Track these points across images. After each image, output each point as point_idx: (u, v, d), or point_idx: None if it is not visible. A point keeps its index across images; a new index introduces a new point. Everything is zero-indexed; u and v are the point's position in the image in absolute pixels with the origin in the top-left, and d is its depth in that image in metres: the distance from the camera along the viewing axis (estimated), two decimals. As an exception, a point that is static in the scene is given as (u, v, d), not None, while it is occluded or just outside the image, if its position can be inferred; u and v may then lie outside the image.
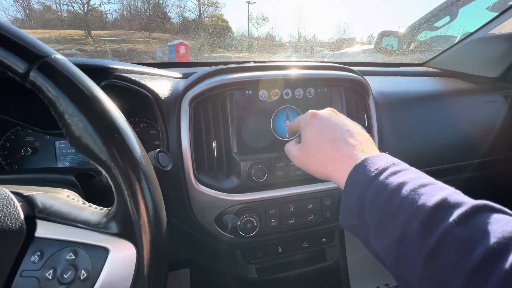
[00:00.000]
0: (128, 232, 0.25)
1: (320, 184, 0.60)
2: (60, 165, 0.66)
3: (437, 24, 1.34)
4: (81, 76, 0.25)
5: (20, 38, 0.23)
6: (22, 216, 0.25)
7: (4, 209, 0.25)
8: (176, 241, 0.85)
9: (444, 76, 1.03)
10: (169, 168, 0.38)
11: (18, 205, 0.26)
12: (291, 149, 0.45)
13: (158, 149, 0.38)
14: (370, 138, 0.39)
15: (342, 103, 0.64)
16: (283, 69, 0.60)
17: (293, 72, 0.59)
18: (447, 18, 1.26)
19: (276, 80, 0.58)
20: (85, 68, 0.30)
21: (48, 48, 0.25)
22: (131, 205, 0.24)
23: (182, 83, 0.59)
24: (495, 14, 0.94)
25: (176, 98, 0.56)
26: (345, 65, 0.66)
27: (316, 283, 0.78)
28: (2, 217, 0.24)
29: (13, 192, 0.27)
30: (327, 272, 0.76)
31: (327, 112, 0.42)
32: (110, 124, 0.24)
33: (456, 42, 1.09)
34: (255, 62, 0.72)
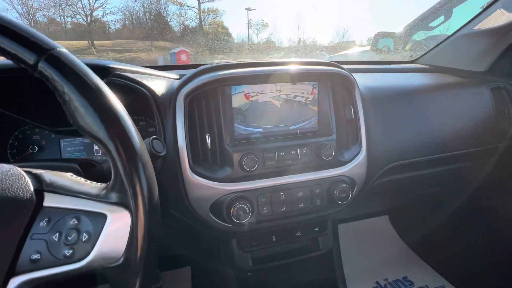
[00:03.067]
0: (123, 200, 0.29)
1: (309, 174, 0.63)
2: (65, 162, 0.70)
3: (432, 24, 1.37)
4: (82, 66, 0.29)
5: (30, 34, 0.27)
6: (32, 188, 0.29)
7: (17, 183, 0.28)
8: (176, 236, 0.88)
9: (434, 71, 1.06)
10: (163, 153, 0.42)
11: (28, 179, 0.29)
12: None
13: (153, 137, 0.42)
14: None
15: (329, 97, 0.68)
16: (272, 65, 0.64)
17: (282, 67, 0.63)
18: (442, 18, 1.30)
19: (266, 75, 0.61)
20: (89, 67, 0.34)
21: (54, 42, 0.29)
22: (126, 176, 0.28)
23: (177, 82, 0.63)
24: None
25: (172, 95, 0.60)
26: (336, 63, 0.70)
27: (311, 271, 0.80)
28: (16, 189, 0.28)
29: (24, 171, 0.31)
30: (320, 260, 0.79)
31: None
32: (107, 106, 0.28)
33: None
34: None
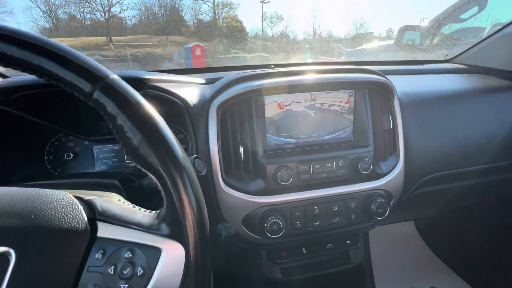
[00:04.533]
0: (177, 233, 0.28)
1: (345, 187, 0.61)
2: (97, 168, 0.71)
3: (463, 16, 1.26)
4: (135, 95, 0.28)
5: (85, 62, 0.26)
6: (85, 218, 0.28)
7: (71, 212, 0.28)
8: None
9: (474, 72, 0.98)
10: (204, 173, 0.41)
11: (81, 208, 0.29)
12: None
13: (194, 156, 0.41)
14: None
15: (366, 105, 0.64)
16: (306, 73, 0.61)
17: (317, 77, 0.59)
18: (475, 9, 1.19)
19: (300, 85, 0.59)
20: (125, 80, 0.33)
21: (106, 70, 0.28)
22: (180, 210, 0.27)
23: (209, 90, 0.62)
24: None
25: (204, 104, 0.58)
26: (367, 65, 0.66)
27: (341, 284, 0.78)
28: (70, 219, 0.28)
29: (75, 197, 0.31)
30: (351, 274, 0.76)
31: None
32: (161, 138, 0.27)
33: (485, 35, 1.03)
34: (274, 65, 0.73)
